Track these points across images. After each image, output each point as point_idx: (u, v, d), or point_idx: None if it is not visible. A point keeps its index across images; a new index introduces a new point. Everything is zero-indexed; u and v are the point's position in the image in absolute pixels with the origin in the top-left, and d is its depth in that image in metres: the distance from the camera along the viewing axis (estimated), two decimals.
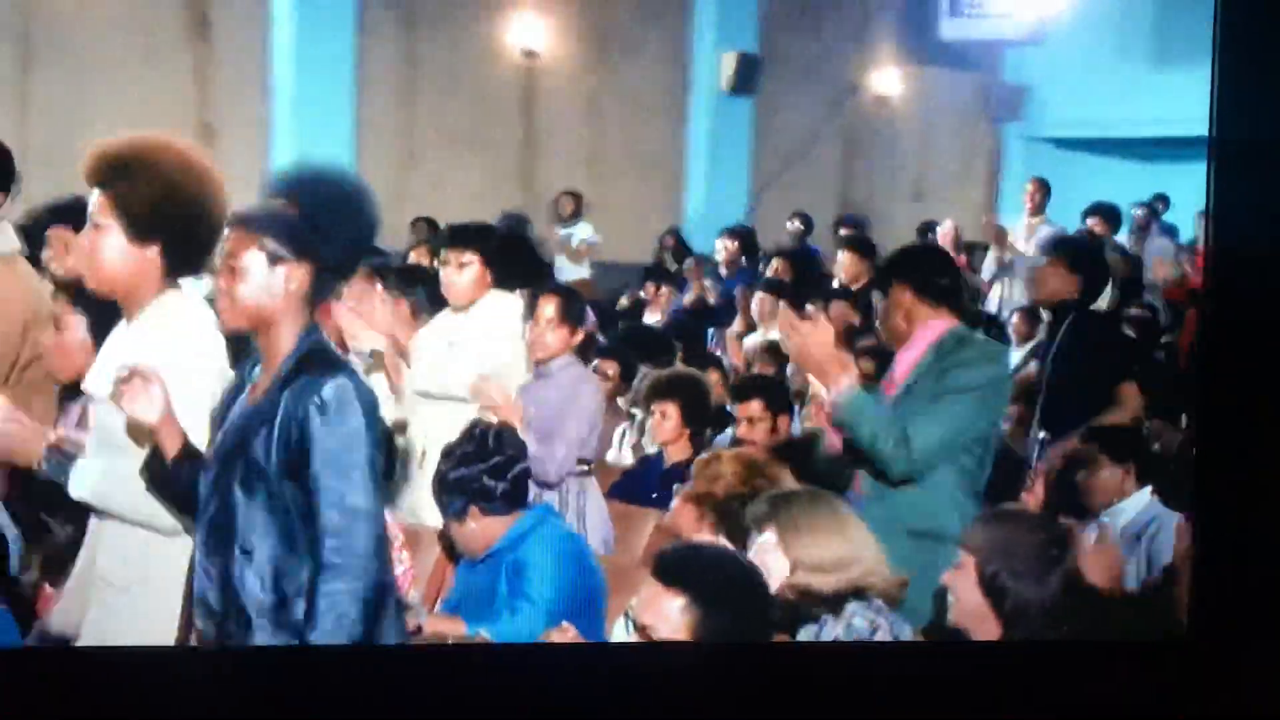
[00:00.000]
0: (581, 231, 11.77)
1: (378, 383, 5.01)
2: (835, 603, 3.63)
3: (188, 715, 3.14)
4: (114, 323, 3.69)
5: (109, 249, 3.54)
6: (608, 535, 5.41)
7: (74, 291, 3.99)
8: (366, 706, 3.16)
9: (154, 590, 3.50)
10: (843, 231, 10.98)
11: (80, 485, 3.52)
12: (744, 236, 10.85)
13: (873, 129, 14.91)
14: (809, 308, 6.77)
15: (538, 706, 3.17)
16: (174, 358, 3.44)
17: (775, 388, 6.03)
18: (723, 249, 10.63)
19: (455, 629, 4.32)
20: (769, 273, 9.52)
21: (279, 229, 3.31)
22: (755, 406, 5.78)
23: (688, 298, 10.24)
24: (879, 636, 3.56)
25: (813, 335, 4.29)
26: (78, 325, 3.98)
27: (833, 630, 3.62)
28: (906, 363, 4.47)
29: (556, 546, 4.50)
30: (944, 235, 10.58)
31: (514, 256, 5.78)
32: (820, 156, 14.43)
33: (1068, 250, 6.39)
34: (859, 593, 3.66)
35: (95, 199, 3.55)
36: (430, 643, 3.62)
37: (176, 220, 3.55)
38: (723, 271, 10.56)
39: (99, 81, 10.96)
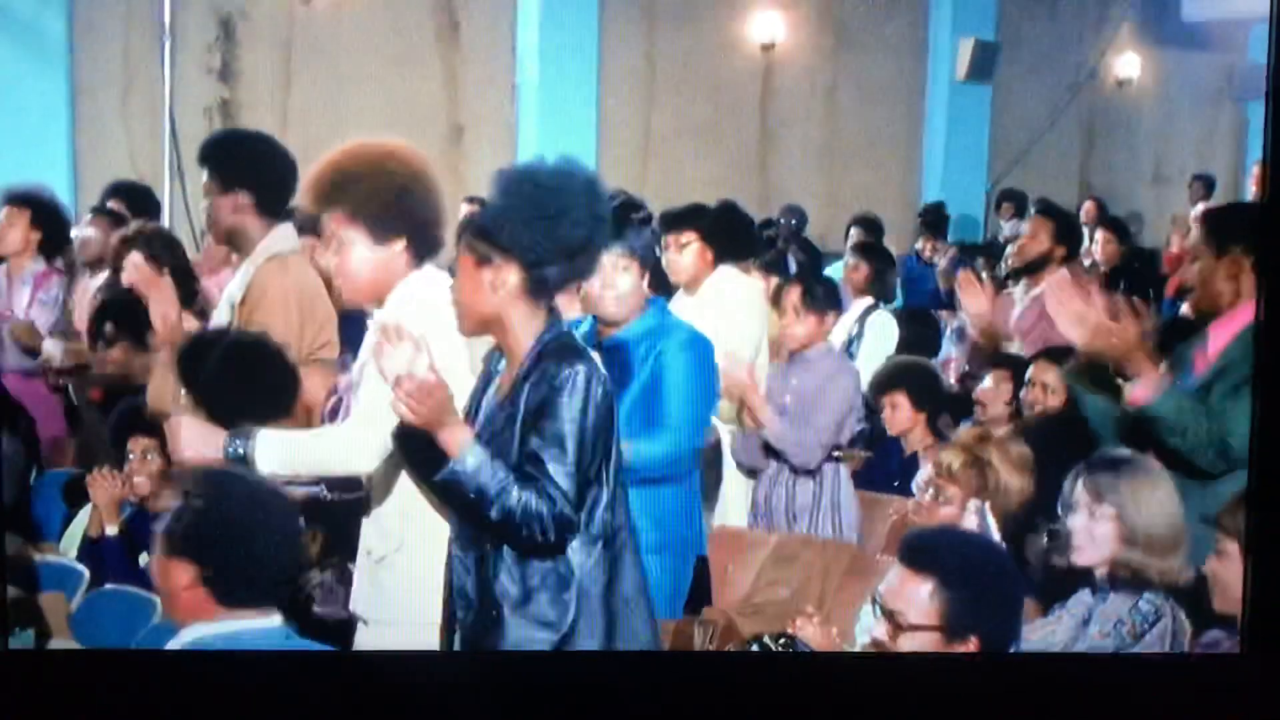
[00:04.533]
0: None
1: None
2: (1146, 586, 3.64)
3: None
4: None
5: (357, 261, 3.67)
6: (857, 523, 5.44)
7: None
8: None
9: (411, 557, 3.60)
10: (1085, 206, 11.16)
11: (267, 458, 3.56)
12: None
13: (1112, 113, 14.65)
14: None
15: None
16: (425, 329, 3.44)
17: (1019, 365, 5.60)
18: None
19: None
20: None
21: (475, 230, 3.37)
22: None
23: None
24: (1162, 623, 3.56)
25: (1123, 328, 4.06)
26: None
27: (1117, 607, 3.63)
28: (1224, 336, 4.22)
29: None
30: (1193, 217, 10.45)
31: (730, 230, 5.94)
32: (1059, 142, 14.24)
33: None
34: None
35: (327, 221, 3.69)
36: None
37: (411, 208, 3.67)
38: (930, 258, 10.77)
39: (353, 88, 11.38)
